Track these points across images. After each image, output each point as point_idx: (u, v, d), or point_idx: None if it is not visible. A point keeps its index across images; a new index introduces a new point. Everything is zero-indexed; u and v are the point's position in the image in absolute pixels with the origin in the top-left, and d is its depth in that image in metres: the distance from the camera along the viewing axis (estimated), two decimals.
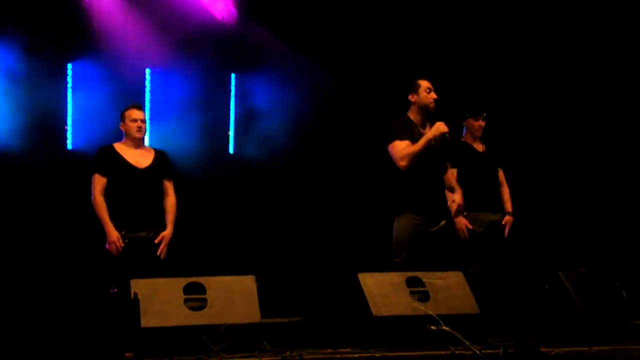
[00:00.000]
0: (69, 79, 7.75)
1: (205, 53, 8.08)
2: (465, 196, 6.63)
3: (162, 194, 6.19)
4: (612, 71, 8.21)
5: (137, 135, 6.14)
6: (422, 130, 6.06)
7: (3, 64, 7.41)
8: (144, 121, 6.19)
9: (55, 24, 7.56)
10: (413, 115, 6.11)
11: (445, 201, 6.09)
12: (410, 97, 6.12)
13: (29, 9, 7.44)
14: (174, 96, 8.09)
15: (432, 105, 6.03)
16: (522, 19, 8.26)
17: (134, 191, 6.04)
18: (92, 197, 6.03)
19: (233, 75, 8.48)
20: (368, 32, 8.34)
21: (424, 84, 6.09)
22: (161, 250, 6.05)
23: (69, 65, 7.75)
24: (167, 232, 6.11)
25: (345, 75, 8.40)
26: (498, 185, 6.85)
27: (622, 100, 8.24)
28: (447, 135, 5.93)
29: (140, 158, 6.16)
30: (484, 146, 6.89)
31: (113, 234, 5.93)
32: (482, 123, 6.81)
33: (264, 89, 8.34)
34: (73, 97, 7.76)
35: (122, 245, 5.92)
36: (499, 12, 8.26)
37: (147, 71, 8.10)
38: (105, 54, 7.73)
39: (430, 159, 5.99)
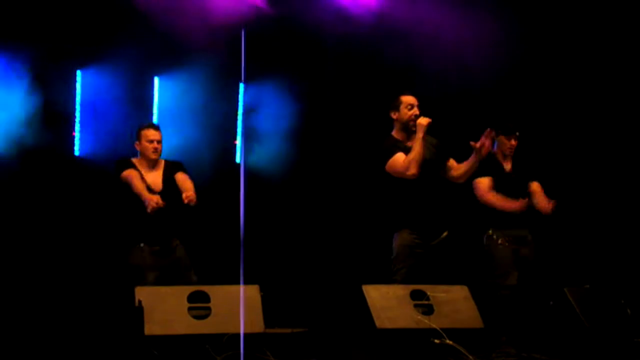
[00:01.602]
0: (78, 86, 7.77)
1: (214, 62, 8.09)
2: (489, 213, 6.57)
3: (176, 209, 6.12)
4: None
5: (153, 156, 6.14)
6: (408, 144, 5.96)
7: (12, 70, 7.43)
8: (160, 142, 6.17)
9: (65, 31, 7.58)
10: (397, 134, 6.02)
11: (444, 213, 6.04)
12: (392, 114, 6.02)
13: (39, 15, 7.47)
14: (182, 105, 8.10)
15: (412, 122, 5.91)
16: (563, 36, 8.22)
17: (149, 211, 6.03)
18: (130, 182, 5.96)
19: (242, 85, 8.50)
20: (390, 46, 8.31)
21: (406, 100, 5.98)
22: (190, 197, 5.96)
23: (78, 72, 7.77)
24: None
25: (356, 88, 8.41)
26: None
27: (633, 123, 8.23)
28: (431, 124, 5.83)
29: (155, 179, 6.15)
30: (512, 164, 6.68)
31: (153, 197, 5.83)
32: (513, 142, 6.60)
33: (273, 99, 8.35)
34: (82, 104, 7.78)
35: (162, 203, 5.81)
36: (539, 29, 8.21)
37: (156, 79, 8.13)
38: (114, 61, 7.74)
39: (423, 172, 5.94)
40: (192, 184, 6.13)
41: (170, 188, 6.16)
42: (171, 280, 5.90)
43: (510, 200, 6.39)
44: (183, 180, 6.15)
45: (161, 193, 6.08)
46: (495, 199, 6.44)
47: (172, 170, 6.26)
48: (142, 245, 5.96)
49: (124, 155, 6.30)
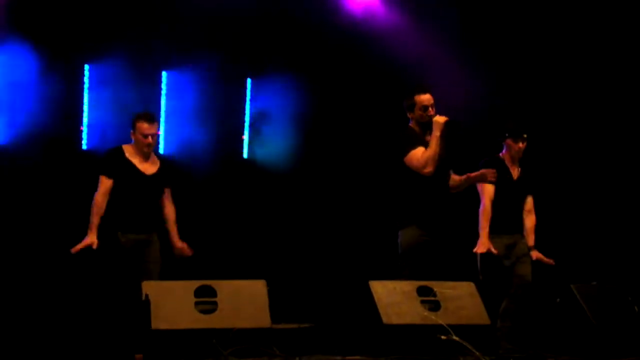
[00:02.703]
0: (86, 80, 7.78)
1: (221, 57, 8.10)
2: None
3: (160, 199, 6.19)
4: None
5: (146, 150, 6.07)
6: (426, 139, 5.91)
7: (21, 63, 7.44)
8: (154, 135, 6.07)
9: (73, 25, 7.58)
10: (415, 126, 5.97)
11: (452, 210, 5.99)
12: (408, 114, 5.97)
13: (48, 9, 7.47)
14: (190, 99, 8.10)
15: (428, 121, 5.85)
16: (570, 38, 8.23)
17: (139, 196, 6.04)
18: (94, 196, 6.03)
19: (249, 80, 8.49)
20: (396, 42, 8.31)
21: (419, 100, 5.90)
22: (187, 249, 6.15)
23: (86, 66, 7.78)
24: (182, 244, 6.17)
25: (363, 83, 8.40)
26: (521, 210, 6.58)
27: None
28: (449, 122, 5.77)
29: (147, 164, 6.13)
30: (519, 170, 6.58)
31: (93, 238, 5.93)
32: (521, 145, 6.49)
33: (280, 94, 8.35)
34: (89, 98, 7.79)
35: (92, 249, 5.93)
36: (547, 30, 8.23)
37: (164, 74, 8.13)
38: (122, 56, 7.74)
39: (436, 170, 5.92)
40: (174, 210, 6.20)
41: (161, 179, 6.15)
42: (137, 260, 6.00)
43: (486, 234, 6.28)
44: (171, 215, 6.21)
45: (153, 177, 6.10)
46: (484, 220, 6.34)
47: (169, 168, 6.28)
48: (119, 233, 5.99)
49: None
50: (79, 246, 5.94)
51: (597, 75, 8.26)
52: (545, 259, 6.48)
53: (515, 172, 6.55)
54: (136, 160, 6.08)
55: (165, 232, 6.20)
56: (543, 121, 8.14)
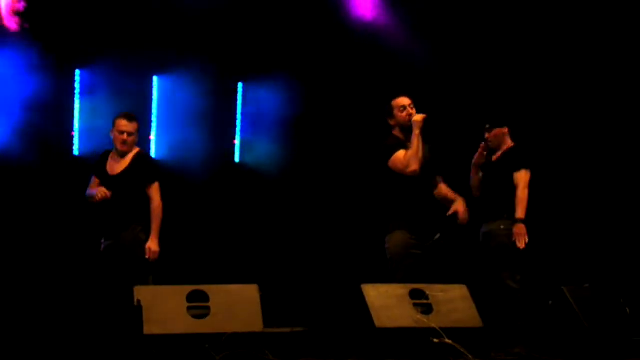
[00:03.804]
0: (77, 85, 7.77)
1: (213, 61, 8.09)
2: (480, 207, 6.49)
3: (135, 198, 6.02)
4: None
5: (120, 147, 6.01)
6: (408, 145, 5.90)
7: (11, 69, 7.43)
8: (131, 134, 6.00)
9: (64, 30, 7.58)
10: (398, 134, 5.98)
11: (437, 215, 5.98)
12: (389, 121, 6.00)
13: (38, 14, 7.46)
14: (181, 104, 8.10)
15: (409, 123, 5.87)
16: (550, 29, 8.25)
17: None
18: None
19: (240, 84, 8.50)
20: (382, 44, 8.32)
21: (397, 103, 5.94)
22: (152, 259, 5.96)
23: (77, 72, 7.77)
24: (151, 244, 5.93)
25: (355, 87, 8.41)
26: (502, 194, 6.37)
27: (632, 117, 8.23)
28: (428, 119, 5.79)
29: (116, 164, 6.07)
30: (501, 154, 6.50)
31: (99, 189, 5.95)
32: (486, 135, 6.48)
33: (271, 97, 8.36)
34: (81, 103, 7.77)
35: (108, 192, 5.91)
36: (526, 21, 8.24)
37: (155, 78, 8.12)
38: (113, 61, 7.74)
39: (422, 173, 5.92)
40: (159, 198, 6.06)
41: (127, 177, 6.04)
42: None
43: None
44: (154, 213, 6.01)
45: (114, 178, 6.03)
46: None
47: (140, 163, 6.10)
48: (102, 240, 6.01)
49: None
50: (99, 195, 5.92)
51: (588, 74, 8.27)
52: (514, 238, 6.36)
53: (494, 157, 6.54)
54: (110, 162, 6.07)
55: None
56: (533, 124, 8.16)
